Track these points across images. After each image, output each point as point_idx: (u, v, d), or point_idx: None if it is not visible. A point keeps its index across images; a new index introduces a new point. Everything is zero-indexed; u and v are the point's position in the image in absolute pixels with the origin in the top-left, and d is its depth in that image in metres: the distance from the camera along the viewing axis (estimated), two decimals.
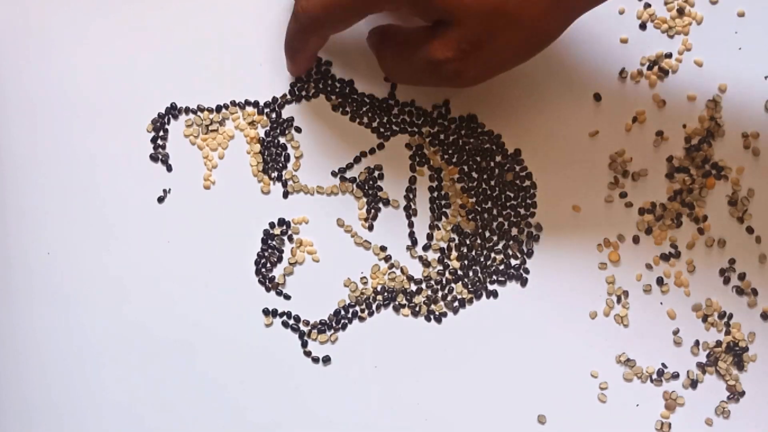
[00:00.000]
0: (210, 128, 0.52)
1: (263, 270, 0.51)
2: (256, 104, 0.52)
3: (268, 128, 0.52)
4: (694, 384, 0.51)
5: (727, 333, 0.51)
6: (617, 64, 0.52)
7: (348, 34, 0.52)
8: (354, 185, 0.52)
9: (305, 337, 0.51)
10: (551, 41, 0.45)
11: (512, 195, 0.52)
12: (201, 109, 0.52)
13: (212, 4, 0.52)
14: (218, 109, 0.52)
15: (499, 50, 0.44)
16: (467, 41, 0.43)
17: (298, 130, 0.52)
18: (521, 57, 0.45)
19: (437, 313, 0.51)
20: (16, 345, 0.51)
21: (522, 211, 0.52)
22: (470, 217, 0.52)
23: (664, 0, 0.52)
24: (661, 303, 0.51)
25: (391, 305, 0.51)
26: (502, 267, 0.51)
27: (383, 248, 0.51)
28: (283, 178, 0.52)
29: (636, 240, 0.51)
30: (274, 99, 0.52)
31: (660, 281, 0.51)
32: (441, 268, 0.51)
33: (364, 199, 0.52)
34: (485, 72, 0.45)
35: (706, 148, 0.52)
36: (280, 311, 0.51)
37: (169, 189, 0.52)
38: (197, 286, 0.51)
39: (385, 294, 0.51)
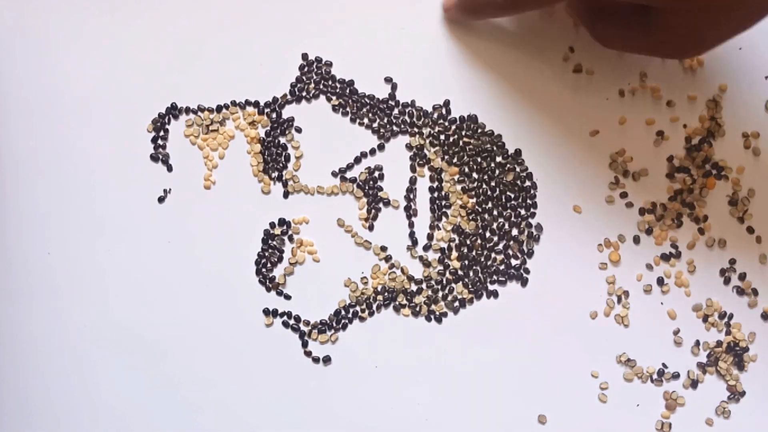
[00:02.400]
0: (210, 128, 0.52)
1: (264, 270, 0.51)
2: (256, 104, 0.52)
3: (268, 128, 0.52)
4: (694, 384, 0.51)
5: (728, 333, 0.51)
6: (617, 64, 0.52)
7: (348, 34, 0.52)
8: (354, 185, 0.52)
9: (305, 337, 0.51)
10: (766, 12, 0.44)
11: (512, 195, 0.52)
12: (201, 109, 0.52)
13: (213, 4, 0.52)
14: (218, 109, 0.52)
15: (716, 27, 0.44)
16: (683, 26, 0.44)
17: (299, 130, 0.52)
18: (741, 29, 0.45)
19: (437, 313, 0.51)
20: (16, 345, 0.51)
21: (522, 211, 0.52)
22: (470, 217, 0.52)
23: None
24: (662, 303, 0.51)
25: (392, 305, 0.51)
26: (502, 267, 0.51)
27: (384, 248, 0.51)
28: (284, 178, 0.52)
29: (636, 240, 0.51)
30: (275, 99, 0.52)
31: (660, 281, 0.51)
32: (441, 268, 0.51)
33: (365, 199, 0.52)
34: (707, 46, 0.45)
35: (706, 147, 0.52)
36: (280, 311, 0.51)
37: (170, 189, 0.52)
38: (198, 286, 0.51)
39: (386, 294, 0.51)
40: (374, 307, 0.51)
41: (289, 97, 0.52)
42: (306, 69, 0.52)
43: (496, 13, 0.49)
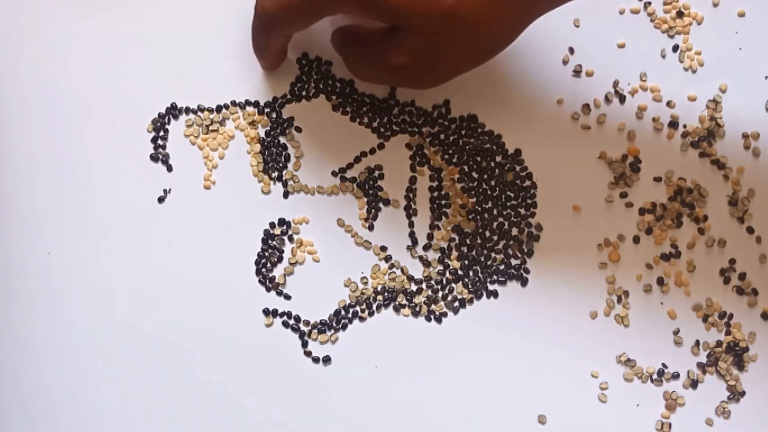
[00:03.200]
0: (210, 128, 0.52)
1: (263, 270, 0.51)
2: (256, 104, 0.52)
3: (268, 128, 0.52)
4: (694, 384, 0.51)
5: (728, 333, 0.51)
6: (618, 65, 0.52)
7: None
8: (354, 185, 0.52)
9: (305, 337, 0.51)
10: (506, 45, 0.45)
11: (512, 195, 0.52)
12: (201, 109, 0.52)
13: (213, 4, 0.52)
14: (218, 109, 0.52)
15: (453, 55, 0.44)
16: (420, 47, 0.44)
17: (299, 130, 0.52)
18: (476, 61, 0.45)
19: (437, 313, 0.51)
20: (16, 345, 0.51)
21: (522, 211, 0.52)
22: (470, 217, 0.52)
23: (663, 0, 0.52)
24: (662, 303, 0.51)
25: (392, 305, 0.51)
26: (502, 267, 0.51)
27: (383, 248, 0.51)
28: (284, 178, 0.52)
29: (636, 240, 0.51)
30: (275, 99, 0.52)
31: (660, 281, 0.51)
32: (441, 268, 0.51)
33: (365, 199, 0.52)
34: (441, 76, 0.46)
35: (707, 147, 0.52)
36: (280, 311, 0.51)
37: (170, 189, 0.52)
38: (197, 286, 0.51)
39: (386, 294, 0.51)
40: (374, 307, 0.51)
41: (289, 97, 0.52)
42: (306, 69, 0.52)
43: (266, 40, 0.48)
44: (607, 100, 0.52)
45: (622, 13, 0.52)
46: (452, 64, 0.45)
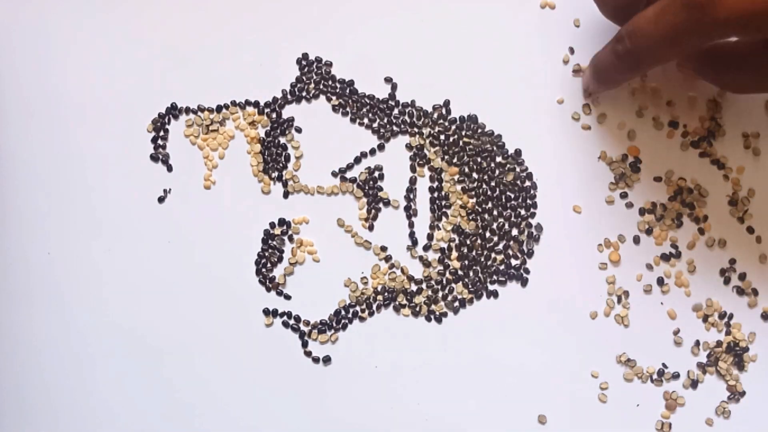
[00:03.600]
0: (210, 128, 0.52)
1: (263, 270, 0.51)
2: (256, 104, 0.52)
3: (268, 128, 0.52)
4: (694, 384, 0.51)
5: (728, 333, 0.51)
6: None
7: (348, 34, 0.52)
8: (354, 185, 0.52)
9: (305, 337, 0.51)
10: None
11: (513, 195, 0.52)
12: (201, 109, 0.52)
13: (213, 4, 0.52)
14: (218, 109, 0.52)
15: None
16: None
17: (299, 130, 0.52)
18: None
19: (437, 313, 0.51)
20: (16, 345, 0.51)
21: (522, 211, 0.52)
22: (470, 217, 0.52)
23: None
24: (662, 303, 0.51)
25: (392, 305, 0.51)
26: (502, 267, 0.51)
27: (384, 248, 0.51)
28: (284, 178, 0.52)
29: (636, 240, 0.51)
30: (275, 99, 0.52)
31: (660, 281, 0.51)
32: (441, 268, 0.51)
33: (365, 200, 0.52)
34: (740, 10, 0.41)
35: (707, 147, 0.52)
36: (280, 311, 0.51)
37: (170, 189, 0.52)
38: (197, 286, 0.51)
39: (386, 294, 0.51)
40: (374, 307, 0.51)
41: (289, 97, 0.52)
42: (306, 69, 0.52)
43: (627, 77, 0.48)
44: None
45: None
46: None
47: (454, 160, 0.52)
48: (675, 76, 0.52)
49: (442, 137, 0.52)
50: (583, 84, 0.51)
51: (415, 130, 0.52)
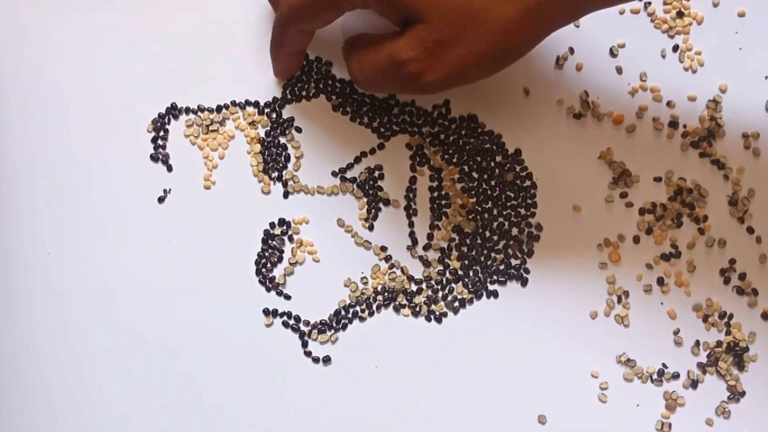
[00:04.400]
0: (210, 128, 0.52)
1: (263, 270, 0.51)
2: (256, 104, 0.52)
3: (268, 128, 0.52)
4: (694, 384, 0.51)
5: (728, 333, 0.51)
6: (618, 65, 0.52)
7: (348, 34, 0.52)
8: (354, 185, 0.52)
9: (305, 337, 0.51)
10: (519, 56, 0.44)
11: (512, 195, 0.52)
12: (201, 109, 0.52)
13: (213, 4, 0.52)
14: (218, 109, 0.52)
15: (463, 55, 0.43)
16: (432, 40, 0.43)
17: (299, 130, 0.52)
18: (486, 67, 0.44)
19: (437, 313, 0.51)
20: (16, 345, 0.51)
21: (522, 211, 0.52)
22: (470, 217, 0.52)
23: (663, 0, 0.52)
24: (662, 303, 0.51)
25: (392, 305, 0.51)
26: (502, 267, 0.51)
27: (384, 248, 0.51)
28: (284, 178, 0.52)
29: (636, 240, 0.51)
30: (275, 99, 0.52)
31: (660, 281, 0.51)
32: (441, 268, 0.51)
33: (365, 199, 0.52)
34: (448, 77, 0.44)
35: (707, 147, 0.52)
36: (280, 311, 0.51)
37: (170, 189, 0.52)
38: (198, 287, 0.51)
39: (386, 294, 0.51)
40: (374, 307, 0.51)
41: (289, 97, 0.52)
42: (306, 69, 0.52)
43: (283, 37, 0.49)
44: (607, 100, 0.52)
45: (622, 13, 0.52)
46: (461, 63, 0.43)
47: (454, 160, 0.52)
48: (675, 76, 0.52)
49: (442, 137, 0.52)
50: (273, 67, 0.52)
51: (415, 129, 0.52)
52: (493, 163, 0.52)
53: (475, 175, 0.52)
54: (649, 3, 0.52)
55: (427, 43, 0.43)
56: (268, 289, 0.51)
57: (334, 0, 0.45)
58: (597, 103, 0.52)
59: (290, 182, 0.52)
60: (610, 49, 0.52)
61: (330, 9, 0.46)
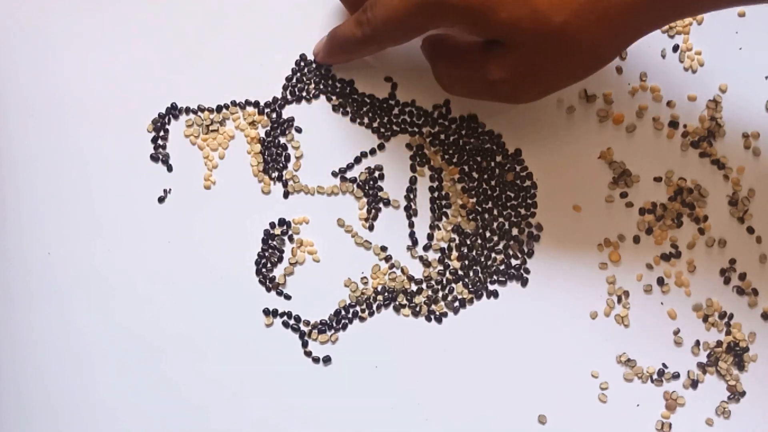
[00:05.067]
0: (210, 128, 0.52)
1: (264, 270, 0.51)
2: (256, 104, 0.52)
3: (268, 128, 0.52)
4: (694, 384, 0.51)
5: (728, 333, 0.51)
6: (618, 65, 0.52)
7: None
8: (354, 185, 0.52)
9: (306, 337, 0.51)
10: (606, 63, 0.44)
11: (513, 195, 0.52)
12: (201, 109, 0.52)
13: (213, 4, 0.52)
14: (218, 109, 0.52)
15: (555, 72, 0.44)
16: (524, 64, 0.43)
17: (299, 130, 0.52)
18: (577, 78, 0.45)
19: (438, 313, 0.51)
20: (16, 345, 0.51)
21: (522, 211, 0.52)
22: (471, 217, 0.52)
23: None
24: (662, 303, 0.51)
25: (392, 305, 0.51)
26: (502, 267, 0.51)
27: (384, 248, 0.51)
28: (284, 178, 0.52)
29: (636, 240, 0.51)
30: (275, 99, 0.52)
31: (660, 281, 0.51)
32: (441, 268, 0.51)
33: (365, 200, 0.52)
34: (541, 92, 0.45)
35: (707, 147, 0.52)
36: (280, 311, 0.51)
37: (170, 189, 0.52)
38: (198, 286, 0.51)
39: (386, 294, 0.51)
40: (374, 307, 0.51)
41: (289, 97, 0.52)
42: (306, 69, 0.52)
43: (362, 51, 0.49)
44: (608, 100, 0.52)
45: None
46: (553, 80, 0.45)
47: (454, 160, 0.52)
48: (675, 76, 0.52)
49: (442, 137, 0.52)
50: (315, 50, 0.52)
51: (415, 129, 0.52)
52: (493, 163, 0.52)
53: (475, 175, 0.52)
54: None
55: (519, 67, 0.43)
56: (268, 289, 0.51)
57: (422, 23, 0.44)
58: (595, 102, 0.52)
59: (290, 182, 0.52)
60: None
61: (416, 31, 0.46)
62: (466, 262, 0.51)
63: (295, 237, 0.51)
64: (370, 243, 0.51)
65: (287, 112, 0.52)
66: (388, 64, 0.52)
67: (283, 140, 0.52)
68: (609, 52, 0.44)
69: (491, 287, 0.51)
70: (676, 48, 0.52)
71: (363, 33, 0.47)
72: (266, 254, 0.51)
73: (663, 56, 0.52)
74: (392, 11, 0.44)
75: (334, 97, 0.52)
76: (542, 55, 0.43)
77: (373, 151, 0.52)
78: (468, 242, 0.51)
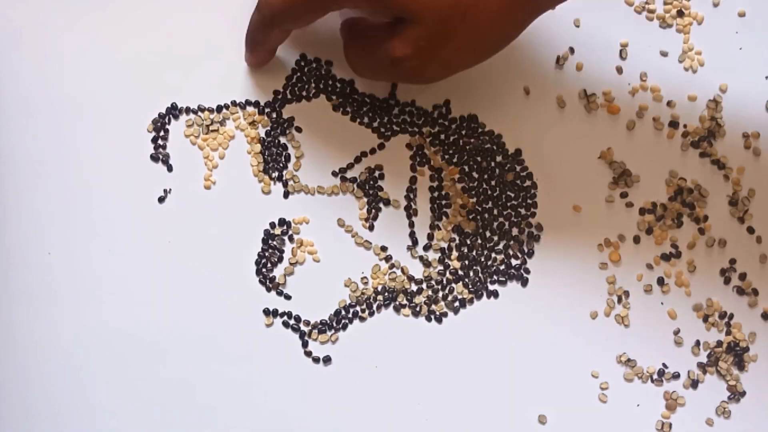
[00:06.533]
0: (210, 128, 0.52)
1: (264, 270, 0.51)
2: (256, 104, 0.52)
3: (268, 128, 0.52)
4: (694, 384, 0.51)
5: (728, 333, 0.51)
6: (618, 65, 0.52)
7: None
8: (354, 185, 0.52)
9: (306, 337, 0.51)
10: (509, 41, 0.45)
11: (513, 195, 0.52)
12: (201, 109, 0.52)
13: (213, 3, 0.52)
14: (218, 109, 0.52)
15: (456, 49, 0.44)
16: (424, 39, 0.44)
17: (299, 130, 0.52)
18: (479, 56, 0.46)
19: (438, 313, 0.51)
20: (16, 345, 0.51)
21: (522, 211, 0.52)
22: (471, 217, 0.52)
23: (663, 0, 0.52)
24: (662, 303, 0.51)
25: (392, 305, 0.51)
26: (502, 267, 0.51)
27: (384, 248, 0.51)
28: (284, 178, 0.52)
29: (637, 240, 0.51)
30: (275, 99, 0.52)
31: (661, 281, 0.51)
32: (441, 268, 0.51)
33: (365, 199, 0.52)
34: (444, 70, 0.46)
35: (707, 147, 0.52)
36: (280, 311, 0.51)
37: (170, 189, 0.52)
38: (198, 287, 0.51)
39: (386, 294, 0.51)
40: (374, 307, 0.51)
41: (289, 97, 0.52)
42: (306, 69, 0.52)
43: (268, 38, 0.49)
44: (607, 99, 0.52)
45: (622, 13, 0.52)
46: (455, 57, 0.45)
47: (454, 160, 0.52)
48: (675, 76, 0.52)
49: (442, 137, 0.52)
50: (245, 56, 0.52)
51: (415, 129, 0.52)
52: (493, 163, 0.52)
53: (475, 175, 0.52)
54: (650, 3, 0.52)
55: (420, 42, 0.44)
56: (268, 289, 0.51)
57: (321, 3, 0.45)
58: (596, 103, 0.52)
59: (290, 182, 0.52)
60: (620, 52, 0.52)
61: (317, 11, 0.46)
62: (466, 262, 0.51)
63: (295, 237, 0.51)
64: (370, 243, 0.51)
65: (287, 112, 0.52)
66: None
67: (283, 140, 0.52)
68: (509, 29, 0.45)
69: (491, 287, 0.51)
70: (676, 48, 0.52)
71: (262, 17, 0.47)
72: (266, 254, 0.51)
73: (663, 56, 0.52)
74: None
75: (334, 97, 0.52)
76: (442, 29, 0.43)
77: (373, 151, 0.52)
78: (468, 242, 0.51)
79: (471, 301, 0.51)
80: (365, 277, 0.51)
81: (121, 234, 0.51)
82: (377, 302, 0.51)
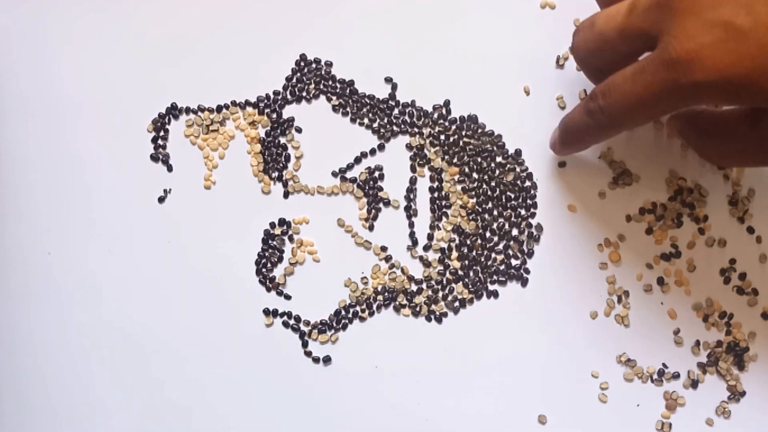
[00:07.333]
0: (210, 128, 0.52)
1: (264, 270, 0.51)
2: (256, 104, 0.52)
3: (268, 128, 0.52)
4: (694, 384, 0.51)
5: (728, 333, 0.51)
6: None
7: (348, 34, 0.52)
8: (354, 185, 0.52)
9: (306, 337, 0.51)
10: None
11: (513, 195, 0.52)
12: (201, 109, 0.52)
13: (213, 3, 0.52)
14: (219, 109, 0.52)
15: None
16: None
17: (299, 130, 0.52)
18: None
19: (438, 313, 0.51)
20: (17, 345, 0.51)
21: (522, 211, 0.52)
22: (471, 217, 0.52)
23: None
24: (662, 303, 0.51)
25: (392, 305, 0.51)
26: (502, 267, 0.51)
27: (384, 248, 0.51)
28: (284, 178, 0.52)
29: (637, 240, 0.51)
30: (275, 99, 0.52)
31: (660, 281, 0.51)
32: (441, 268, 0.51)
33: (365, 200, 0.52)
34: None
35: None
36: (280, 311, 0.51)
37: (170, 189, 0.52)
38: (198, 286, 0.51)
39: (386, 294, 0.51)
40: (374, 307, 0.51)
41: (289, 97, 0.52)
42: (305, 69, 0.52)
43: (598, 138, 0.47)
44: None
45: None
46: None
47: (454, 160, 0.52)
48: None
49: (442, 137, 0.52)
50: (551, 142, 0.50)
51: (415, 130, 0.52)
52: (493, 164, 0.52)
53: (475, 175, 0.52)
54: None
55: None
56: (268, 289, 0.51)
57: (674, 106, 0.41)
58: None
59: (290, 182, 0.52)
60: None
61: (664, 114, 0.42)
62: (466, 262, 0.51)
63: (295, 237, 0.51)
64: (370, 243, 0.51)
65: (287, 112, 0.52)
66: (388, 64, 0.52)
67: (283, 140, 0.52)
68: None
69: (491, 287, 0.51)
70: None
71: (597, 122, 0.44)
72: (266, 254, 0.51)
73: None
74: (634, 98, 0.41)
75: (334, 97, 0.52)
76: None
77: (373, 151, 0.52)
78: (468, 242, 0.51)
79: (471, 301, 0.51)
80: (365, 277, 0.51)
81: (121, 234, 0.51)
82: (377, 302, 0.51)
